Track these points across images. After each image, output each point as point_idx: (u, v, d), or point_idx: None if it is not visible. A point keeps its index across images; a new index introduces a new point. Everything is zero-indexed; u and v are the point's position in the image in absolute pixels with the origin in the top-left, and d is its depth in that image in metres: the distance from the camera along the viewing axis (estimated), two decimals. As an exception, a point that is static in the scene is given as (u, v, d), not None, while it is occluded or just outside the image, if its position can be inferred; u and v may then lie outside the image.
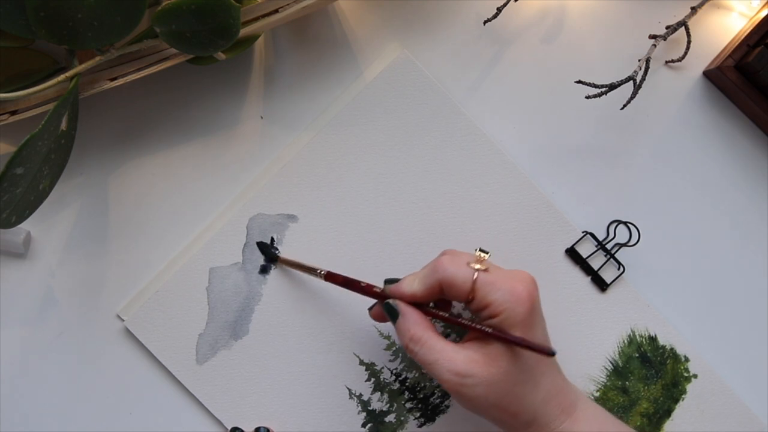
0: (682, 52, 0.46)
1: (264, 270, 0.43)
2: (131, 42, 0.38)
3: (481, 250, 0.36)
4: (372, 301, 0.39)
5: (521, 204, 0.45)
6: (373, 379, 0.44)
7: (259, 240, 0.43)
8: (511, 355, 0.34)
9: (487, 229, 0.45)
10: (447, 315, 0.35)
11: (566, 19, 0.47)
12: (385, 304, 0.37)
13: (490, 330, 0.34)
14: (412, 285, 0.36)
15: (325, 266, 0.40)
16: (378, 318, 0.39)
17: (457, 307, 0.43)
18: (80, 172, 0.44)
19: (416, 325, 0.35)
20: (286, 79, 0.45)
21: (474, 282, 0.34)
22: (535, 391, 0.34)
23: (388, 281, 0.37)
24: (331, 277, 0.39)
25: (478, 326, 0.34)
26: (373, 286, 0.38)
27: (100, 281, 0.43)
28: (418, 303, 0.36)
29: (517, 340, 0.33)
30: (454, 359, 0.34)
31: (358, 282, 0.38)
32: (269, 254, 0.43)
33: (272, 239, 0.44)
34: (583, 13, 0.47)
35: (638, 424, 0.45)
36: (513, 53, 0.46)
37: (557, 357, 0.35)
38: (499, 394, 0.34)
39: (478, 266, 0.35)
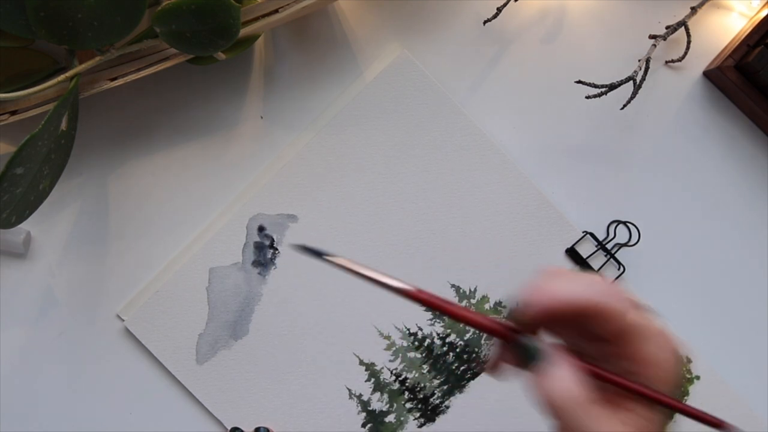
0: (682, 52, 0.46)
1: (260, 264, 0.43)
2: (131, 42, 0.38)
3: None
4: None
5: (521, 204, 0.45)
6: (373, 379, 0.44)
7: (256, 241, 0.43)
8: (658, 422, 0.27)
9: (487, 228, 0.45)
10: (613, 375, 0.26)
11: (566, 19, 0.47)
12: (522, 345, 0.25)
13: (676, 402, 0.26)
14: (571, 287, 0.25)
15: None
16: (496, 371, 0.28)
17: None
18: (80, 172, 0.44)
19: (574, 383, 0.24)
20: (286, 79, 0.45)
21: (630, 323, 0.25)
22: None
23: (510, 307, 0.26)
24: (420, 298, 0.25)
25: (658, 395, 0.26)
26: (495, 320, 0.26)
27: (100, 281, 0.43)
28: (515, 329, 0.26)
29: (710, 417, 0.27)
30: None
31: (466, 310, 0.26)
32: (317, 253, 0.30)
33: (272, 239, 0.44)
34: (583, 13, 0.47)
35: (639, 424, 0.45)
36: (513, 53, 0.46)
37: None
38: None
39: (633, 301, 0.26)
